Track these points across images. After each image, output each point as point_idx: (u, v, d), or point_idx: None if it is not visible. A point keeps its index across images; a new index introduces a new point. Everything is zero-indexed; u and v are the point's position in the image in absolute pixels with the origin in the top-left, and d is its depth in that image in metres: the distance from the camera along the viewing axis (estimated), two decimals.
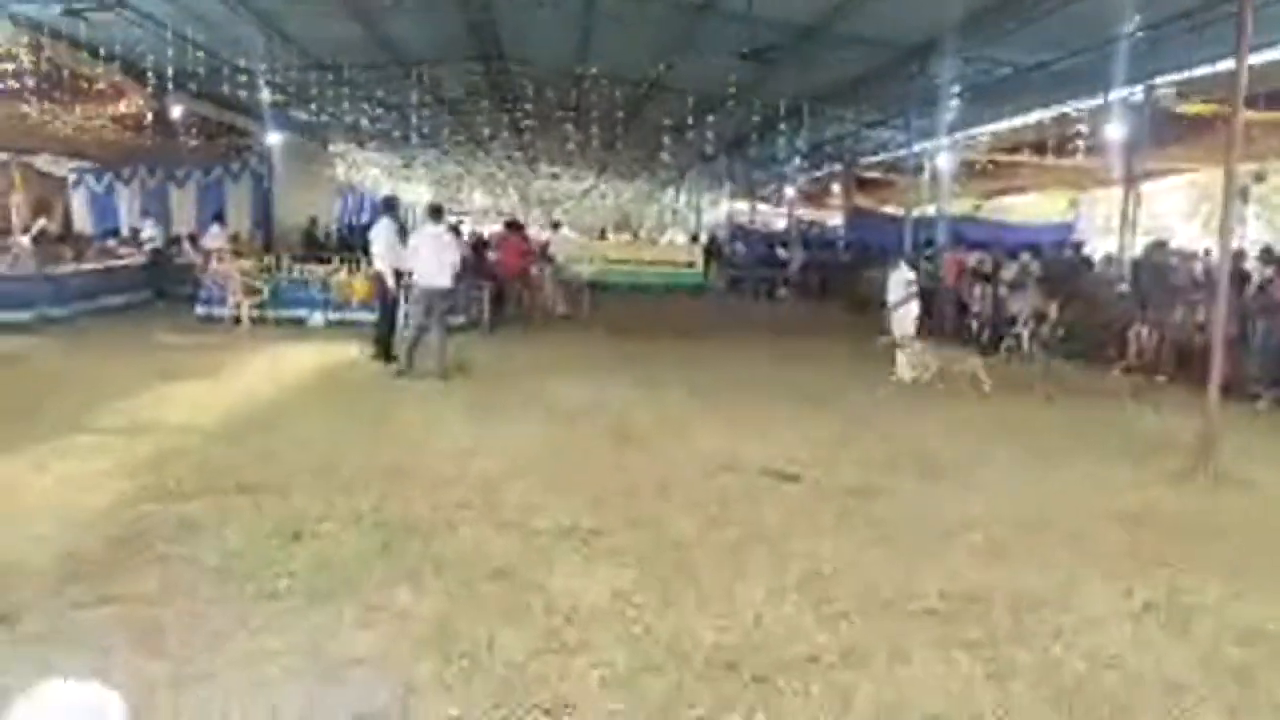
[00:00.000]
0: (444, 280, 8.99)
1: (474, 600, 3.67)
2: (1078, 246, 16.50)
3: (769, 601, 3.75)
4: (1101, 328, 11.70)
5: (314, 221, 18.77)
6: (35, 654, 3.06)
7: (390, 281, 10.01)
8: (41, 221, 16.49)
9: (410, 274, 9.44)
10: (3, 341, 10.45)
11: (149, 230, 15.79)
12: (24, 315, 11.70)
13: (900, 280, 9.70)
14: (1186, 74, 11.15)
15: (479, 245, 15.06)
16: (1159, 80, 11.66)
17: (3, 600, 3.49)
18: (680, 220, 39.45)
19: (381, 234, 9.99)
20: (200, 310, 13.07)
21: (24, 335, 10.96)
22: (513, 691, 2.95)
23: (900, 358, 9.24)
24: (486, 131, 21.25)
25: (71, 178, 18.59)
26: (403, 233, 10.14)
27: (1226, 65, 10.42)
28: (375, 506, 4.78)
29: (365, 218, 23.86)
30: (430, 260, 8.96)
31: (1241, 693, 3.14)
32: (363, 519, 4.59)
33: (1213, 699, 3.09)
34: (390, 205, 10.95)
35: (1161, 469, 6.15)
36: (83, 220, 18.01)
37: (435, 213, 9.88)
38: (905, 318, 9.71)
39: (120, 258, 15.24)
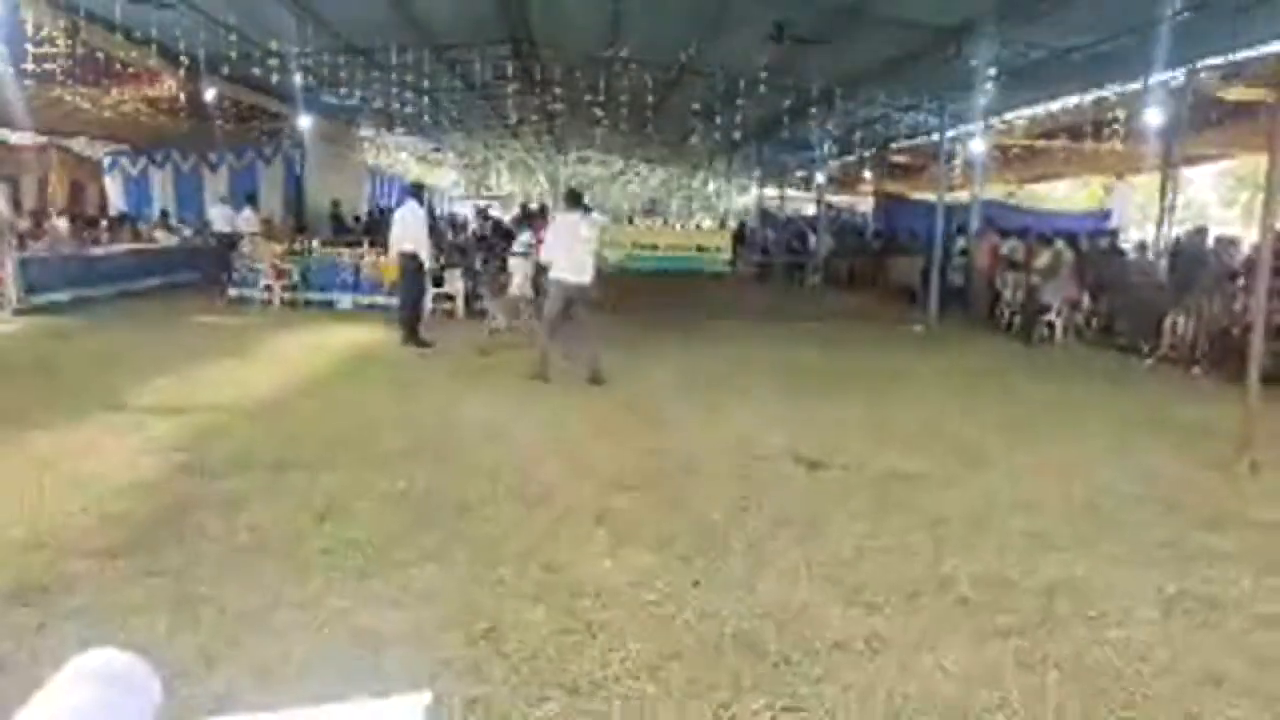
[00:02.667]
0: (586, 277, 7.91)
1: (500, 580, 3.68)
2: (1113, 234, 16.24)
3: (795, 587, 3.74)
4: (1137, 316, 11.51)
5: (337, 204, 18.85)
6: (79, 626, 3.12)
7: (427, 263, 10.14)
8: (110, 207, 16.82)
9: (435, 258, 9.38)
10: (41, 321, 10.65)
11: (215, 212, 15.89)
12: (62, 296, 11.92)
13: (520, 244, 10.99)
14: (1230, 57, 10.87)
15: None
16: (1201, 64, 11.39)
17: (47, 573, 3.55)
18: (709, 206, 39.29)
19: (408, 218, 10.09)
20: (233, 292, 13.26)
21: (62, 315, 11.15)
22: (537, 671, 2.96)
23: (498, 311, 10.73)
24: (515, 116, 21.20)
25: (106, 161, 18.86)
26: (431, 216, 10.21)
27: (1272, 48, 10.20)
28: (404, 485, 4.82)
29: (394, 202, 23.97)
30: (569, 253, 7.89)
31: (1276, 684, 3.08)
32: (392, 497, 4.63)
33: (1244, 690, 3.03)
34: (417, 190, 11.06)
35: (1199, 458, 6.04)
36: (117, 203, 18.28)
37: (574, 199, 8.47)
38: (523, 280, 10.82)
39: (157, 240, 15.46)
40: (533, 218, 12.35)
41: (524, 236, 11.30)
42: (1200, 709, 2.92)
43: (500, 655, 3.05)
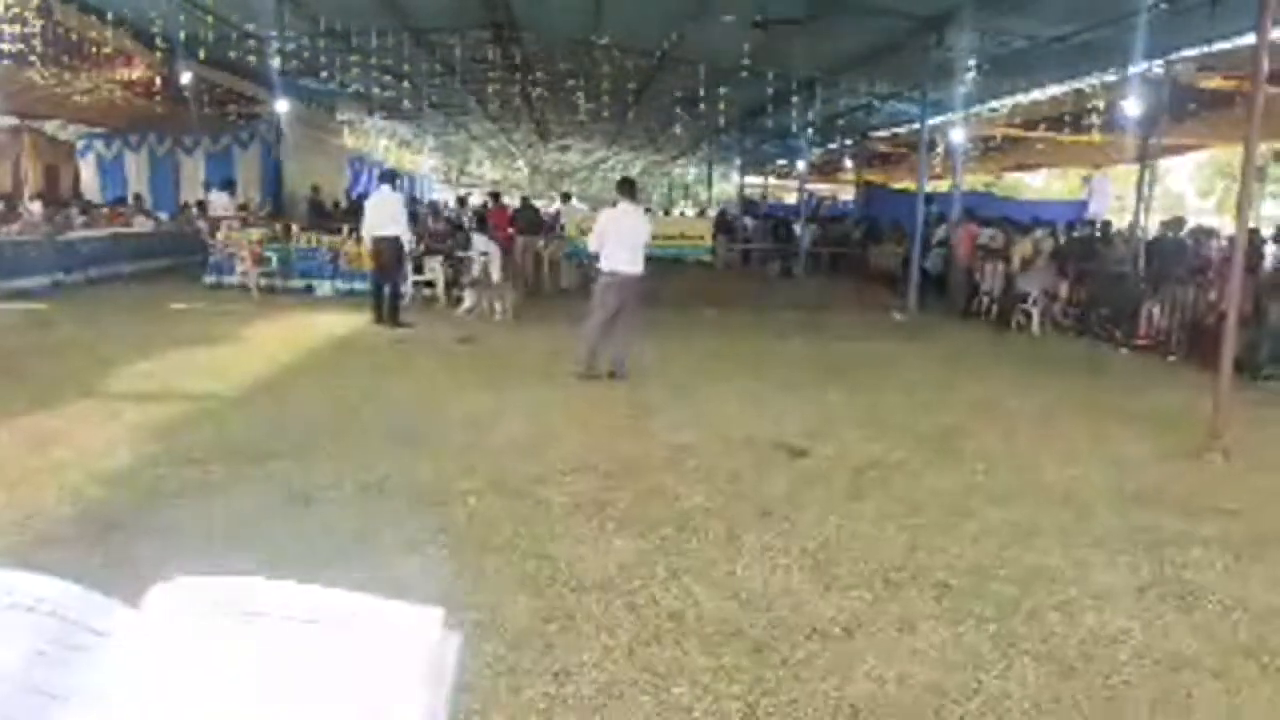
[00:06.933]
0: (637, 268, 7.79)
1: (482, 569, 3.68)
2: (1094, 223, 16.34)
3: (774, 574, 3.76)
4: (1114, 305, 11.63)
5: (317, 189, 18.67)
6: None
7: (407, 246, 10.46)
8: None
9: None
10: (15, 308, 10.49)
11: (214, 198, 15.70)
12: (36, 281, 11.75)
13: (478, 248, 11.99)
14: (1207, 48, 10.96)
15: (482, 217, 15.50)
16: (1178, 54, 11.48)
17: (17, 560, 3.51)
18: (690, 194, 39.24)
19: (383, 203, 10.34)
20: (209, 279, 13.10)
21: (37, 301, 10.99)
22: (519, 659, 2.97)
23: (469, 295, 11.55)
24: (497, 102, 21.05)
25: (80, 144, 18.56)
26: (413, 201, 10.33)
27: (1248, 39, 10.27)
28: (385, 474, 4.80)
29: (373, 187, 23.76)
30: (622, 245, 7.73)
31: (1247, 669, 3.14)
32: (372, 487, 4.61)
33: (1217, 675, 3.09)
34: (391, 176, 11.48)
35: (1172, 447, 6.12)
36: (91, 187, 18.00)
37: (629, 189, 8.27)
38: (490, 266, 11.84)
39: (133, 225, 15.26)
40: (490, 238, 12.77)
41: (479, 242, 11.97)
42: (1174, 692, 2.97)
43: (483, 642, 3.05)
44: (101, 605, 0.61)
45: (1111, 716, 2.84)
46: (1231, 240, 7.48)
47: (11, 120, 16.66)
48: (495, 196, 18.34)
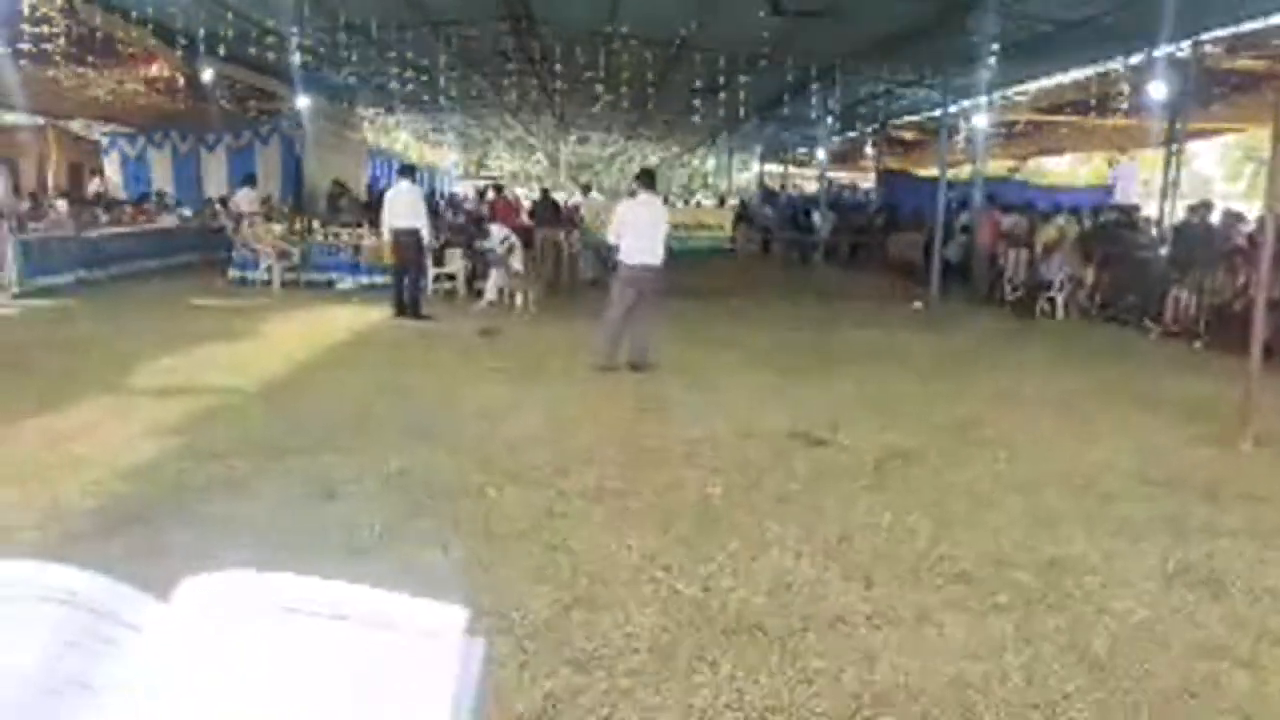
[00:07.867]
0: (656, 259, 7.78)
1: (502, 560, 3.69)
2: (1120, 208, 16.11)
3: (796, 564, 3.75)
4: (1141, 291, 11.48)
5: (338, 184, 18.74)
6: None
7: (427, 239, 10.53)
8: (96, 182, 16.81)
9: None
10: (42, 304, 10.64)
11: (241, 195, 15.75)
12: (62, 279, 11.90)
13: (497, 238, 11.89)
14: (1235, 29, 10.76)
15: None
16: (1206, 35, 11.28)
17: (44, 553, 3.56)
18: (710, 184, 39.09)
19: (402, 196, 10.38)
20: (233, 273, 13.23)
21: (62, 298, 11.14)
22: (540, 648, 2.97)
23: (490, 285, 11.54)
24: (515, 94, 21.04)
25: (104, 142, 18.76)
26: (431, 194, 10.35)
27: (1277, 19, 10.09)
28: (405, 467, 4.82)
29: (393, 182, 23.85)
30: (643, 235, 7.69)
31: (1276, 657, 3.09)
32: (394, 479, 4.64)
33: (1245, 664, 3.04)
34: (409, 170, 11.57)
35: (1200, 433, 6.04)
36: (116, 184, 18.19)
37: (648, 180, 8.35)
38: (513, 261, 11.74)
39: (157, 221, 15.42)
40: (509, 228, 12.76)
41: (498, 233, 11.94)
42: (1202, 681, 2.93)
43: (504, 631, 3.06)
44: (133, 599, 0.61)
45: (1139, 706, 2.80)
46: (1261, 223, 7.36)
47: (37, 119, 16.87)
48: (498, 189, 18.60)
